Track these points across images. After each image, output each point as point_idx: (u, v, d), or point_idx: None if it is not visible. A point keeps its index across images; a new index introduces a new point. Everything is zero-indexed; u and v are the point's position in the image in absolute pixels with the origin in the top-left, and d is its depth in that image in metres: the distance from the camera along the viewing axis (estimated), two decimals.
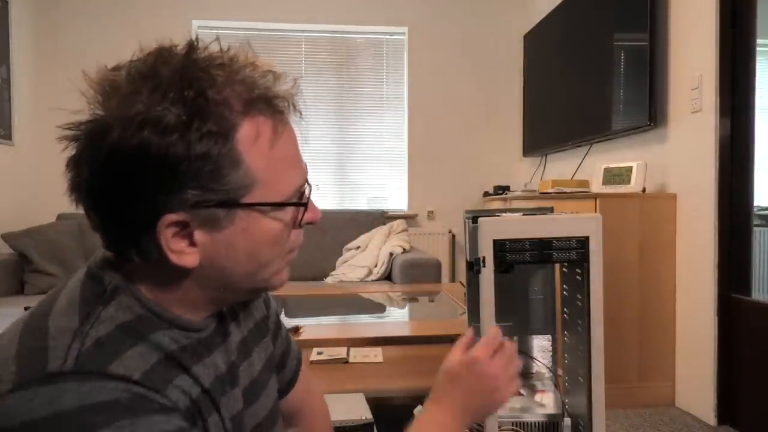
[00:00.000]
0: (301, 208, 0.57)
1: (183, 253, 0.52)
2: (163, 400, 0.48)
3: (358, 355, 1.50)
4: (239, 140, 0.50)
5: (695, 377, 2.35)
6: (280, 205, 0.55)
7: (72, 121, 0.51)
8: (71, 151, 0.51)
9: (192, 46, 0.51)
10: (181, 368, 0.52)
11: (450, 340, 1.60)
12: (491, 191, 3.97)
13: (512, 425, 0.93)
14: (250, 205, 0.52)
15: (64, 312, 0.50)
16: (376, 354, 1.51)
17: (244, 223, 0.53)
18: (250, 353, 0.66)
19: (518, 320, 1.04)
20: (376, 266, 3.40)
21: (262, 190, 0.53)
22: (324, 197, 4.06)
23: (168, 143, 0.47)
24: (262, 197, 0.53)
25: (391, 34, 4.15)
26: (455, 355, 0.72)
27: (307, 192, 0.58)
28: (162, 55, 0.51)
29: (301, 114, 0.57)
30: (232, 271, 0.55)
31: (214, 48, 0.52)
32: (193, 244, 0.52)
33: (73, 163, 0.51)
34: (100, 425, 0.43)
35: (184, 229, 0.51)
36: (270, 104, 0.53)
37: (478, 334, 0.87)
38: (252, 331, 0.69)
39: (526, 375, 1.07)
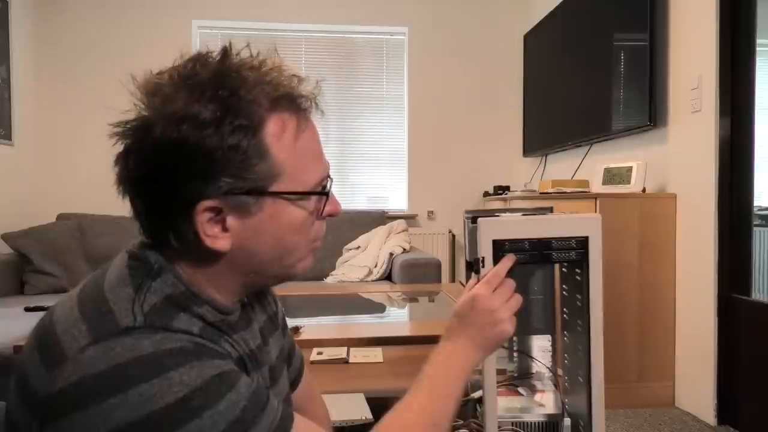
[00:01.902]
0: (324, 199, 0.63)
1: (216, 237, 0.57)
2: (220, 349, 0.56)
3: (358, 355, 1.50)
4: (266, 134, 0.57)
5: (695, 377, 2.35)
6: (303, 194, 0.60)
7: (118, 120, 0.57)
8: (119, 147, 0.57)
9: (226, 52, 0.58)
10: (223, 334, 0.59)
11: None
12: (491, 191, 3.97)
13: (512, 425, 0.93)
14: (277, 194, 0.58)
15: (117, 284, 0.56)
16: (376, 354, 1.50)
17: (271, 210, 0.58)
18: (267, 341, 0.71)
19: (518, 320, 1.04)
20: (376, 266, 3.40)
21: (287, 180, 0.59)
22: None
23: (203, 136, 0.54)
24: (287, 186, 0.59)
25: (391, 34, 4.15)
26: (462, 296, 0.78)
27: (328, 185, 0.64)
28: (199, 59, 0.58)
29: (323, 113, 0.64)
30: (260, 255, 0.60)
31: (245, 53, 0.59)
32: (225, 229, 0.57)
33: (121, 157, 0.57)
34: (173, 366, 0.49)
35: (218, 215, 0.57)
36: (294, 102, 0.60)
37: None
38: (266, 322, 0.73)
39: (526, 375, 1.07)
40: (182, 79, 0.56)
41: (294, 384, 0.81)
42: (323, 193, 0.63)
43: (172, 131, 0.53)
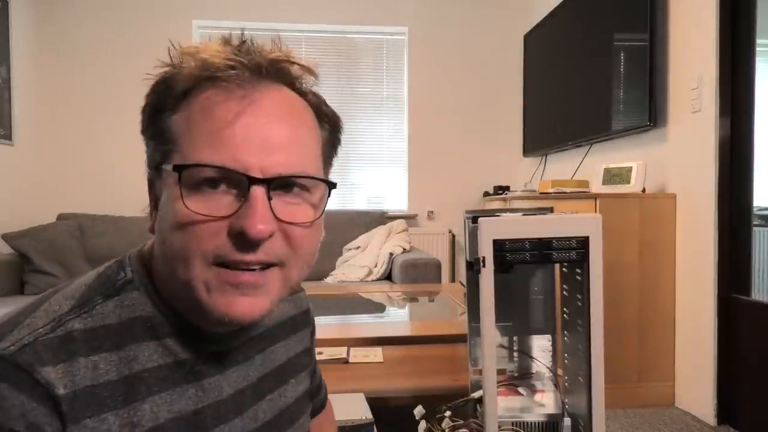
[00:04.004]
0: (230, 202, 0.47)
1: (151, 218, 0.53)
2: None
3: (358, 355, 1.50)
4: (190, 104, 0.50)
5: (695, 377, 2.35)
6: (176, 169, 0.47)
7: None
8: None
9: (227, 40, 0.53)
10: (136, 398, 0.48)
11: (450, 340, 1.60)
12: (491, 191, 3.97)
13: (512, 425, 0.93)
14: (163, 168, 0.49)
15: (65, 295, 0.50)
16: (376, 354, 1.50)
17: (167, 191, 0.49)
18: (285, 380, 0.64)
19: (518, 320, 1.04)
20: (376, 266, 3.40)
21: (179, 153, 0.49)
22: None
23: (153, 95, 0.52)
24: (175, 161, 0.48)
25: (391, 34, 4.15)
26: None
27: (248, 187, 0.47)
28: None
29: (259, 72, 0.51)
30: (157, 252, 0.51)
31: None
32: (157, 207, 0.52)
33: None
34: None
35: (153, 191, 0.53)
36: (214, 73, 0.50)
37: (477, 333, 0.87)
38: (293, 359, 0.66)
39: (526, 375, 1.07)
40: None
41: (313, 414, 0.77)
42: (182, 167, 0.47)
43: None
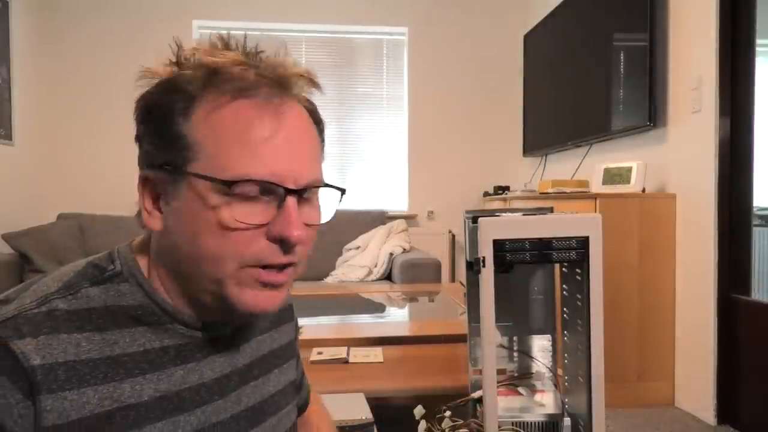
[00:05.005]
0: (269, 209, 0.52)
1: (152, 215, 0.54)
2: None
3: (358, 355, 1.50)
4: (197, 106, 0.52)
5: (695, 377, 2.35)
6: (226, 184, 0.50)
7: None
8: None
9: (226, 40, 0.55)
10: (118, 377, 0.51)
11: (450, 340, 1.60)
12: (491, 191, 3.97)
13: (512, 425, 0.93)
14: (193, 175, 0.51)
15: (55, 277, 0.53)
16: (376, 354, 1.50)
17: (191, 195, 0.52)
18: (267, 372, 0.66)
19: (518, 320, 1.04)
20: (376, 266, 3.41)
21: (208, 161, 0.51)
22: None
23: (152, 96, 0.54)
24: (206, 169, 0.51)
25: (391, 34, 4.15)
26: None
27: (281, 193, 0.52)
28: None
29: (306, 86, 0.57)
30: (180, 250, 0.53)
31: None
32: (160, 209, 0.54)
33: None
34: None
35: (152, 189, 0.54)
36: (233, 83, 0.53)
37: (477, 333, 0.87)
38: (274, 352, 0.68)
39: (526, 375, 1.07)
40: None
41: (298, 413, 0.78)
42: (228, 182, 0.51)
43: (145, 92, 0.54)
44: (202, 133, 0.51)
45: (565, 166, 3.54)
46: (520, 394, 1.00)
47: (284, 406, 0.68)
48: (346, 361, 1.46)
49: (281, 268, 0.54)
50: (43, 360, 0.47)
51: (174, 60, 0.54)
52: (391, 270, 3.41)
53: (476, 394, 0.95)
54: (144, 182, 0.54)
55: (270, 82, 0.53)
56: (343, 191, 0.60)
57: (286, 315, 0.74)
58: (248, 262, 0.52)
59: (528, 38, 3.99)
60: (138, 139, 0.55)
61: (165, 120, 0.52)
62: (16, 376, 0.46)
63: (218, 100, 0.52)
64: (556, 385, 1.01)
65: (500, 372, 1.03)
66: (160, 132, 0.53)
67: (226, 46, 0.54)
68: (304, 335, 1.66)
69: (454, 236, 4.10)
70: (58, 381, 0.47)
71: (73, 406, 0.48)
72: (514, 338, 1.05)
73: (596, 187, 2.80)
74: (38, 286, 0.52)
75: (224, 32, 0.56)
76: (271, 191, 0.52)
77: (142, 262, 0.56)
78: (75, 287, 0.52)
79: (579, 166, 3.32)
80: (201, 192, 0.51)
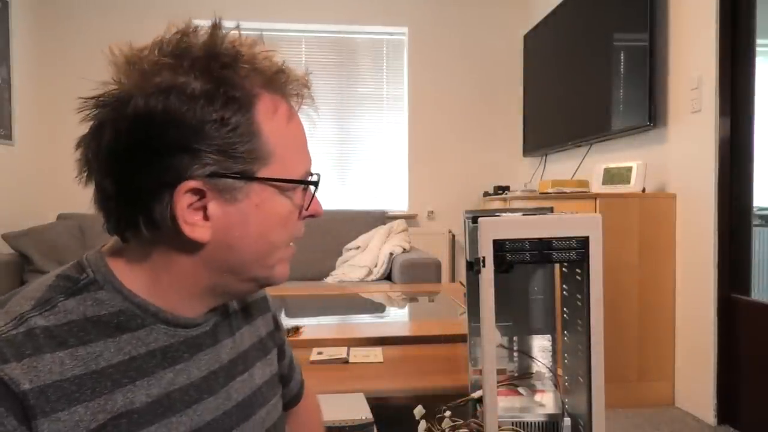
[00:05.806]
0: (310, 195, 0.61)
1: (195, 225, 0.52)
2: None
3: (358, 355, 1.50)
4: (259, 111, 0.54)
5: (695, 377, 2.35)
6: (295, 183, 0.57)
7: (94, 94, 0.53)
8: (91, 122, 0.53)
9: (216, 26, 0.57)
10: (109, 386, 0.50)
11: (450, 340, 1.60)
12: (491, 191, 3.97)
13: (512, 425, 0.93)
14: (267, 180, 0.55)
15: (25, 295, 0.51)
16: (376, 354, 1.50)
17: (257, 198, 0.54)
18: (249, 367, 0.65)
19: (518, 320, 1.04)
20: (376, 266, 3.40)
21: (276, 165, 0.55)
22: (324, 197, 4.06)
23: (192, 107, 0.50)
24: (276, 172, 0.55)
25: (391, 34, 4.15)
26: None
27: (317, 179, 0.61)
28: (186, 32, 0.56)
29: (313, 100, 0.61)
30: (240, 251, 0.55)
31: (235, 34, 0.57)
32: (206, 217, 0.53)
33: (93, 132, 0.52)
34: None
35: (201, 200, 0.52)
36: (286, 86, 0.57)
37: (477, 333, 0.87)
38: (255, 345, 0.68)
39: (526, 375, 1.07)
40: (170, 49, 0.54)
41: (287, 407, 0.78)
42: (312, 182, 0.60)
43: (158, 102, 0.49)
44: (270, 138, 0.55)
45: (565, 166, 3.54)
46: (520, 394, 1.00)
47: (271, 397, 0.69)
48: (346, 361, 1.46)
49: None
50: (32, 384, 0.45)
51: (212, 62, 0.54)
52: (391, 270, 3.41)
53: (476, 394, 0.95)
54: (191, 194, 0.51)
55: (298, 86, 0.59)
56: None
57: (263, 306, 0.74)
58: (291, 240, 0.60)
59: (528, 38, 3.99)
60: (168, 151, 0.50)
61: (233, 130, 0.52)
62: (9, 402, 0.44)
63: (274, 104, 0.56)
64: (556, 385, 1.01)
65: (500, 372, 1.03)
66: (226, 142, 0.51)
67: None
68: (304, 335, 1.67)
69: (454, 236, 4.11)
70: (50, 403, 0.46)
71: (67, 426, 0.47)
72: (514, 338, 1.05)
73: (596, 187, 2.80)
74: (10, 306, 0.50)
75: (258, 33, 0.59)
76: (313, 181, 0.60)
77: (117, 267, 0.55)
78: (50, 302, 0.50)
79: (579, 166, 3.32)
80: (270, 192, 0.55)
